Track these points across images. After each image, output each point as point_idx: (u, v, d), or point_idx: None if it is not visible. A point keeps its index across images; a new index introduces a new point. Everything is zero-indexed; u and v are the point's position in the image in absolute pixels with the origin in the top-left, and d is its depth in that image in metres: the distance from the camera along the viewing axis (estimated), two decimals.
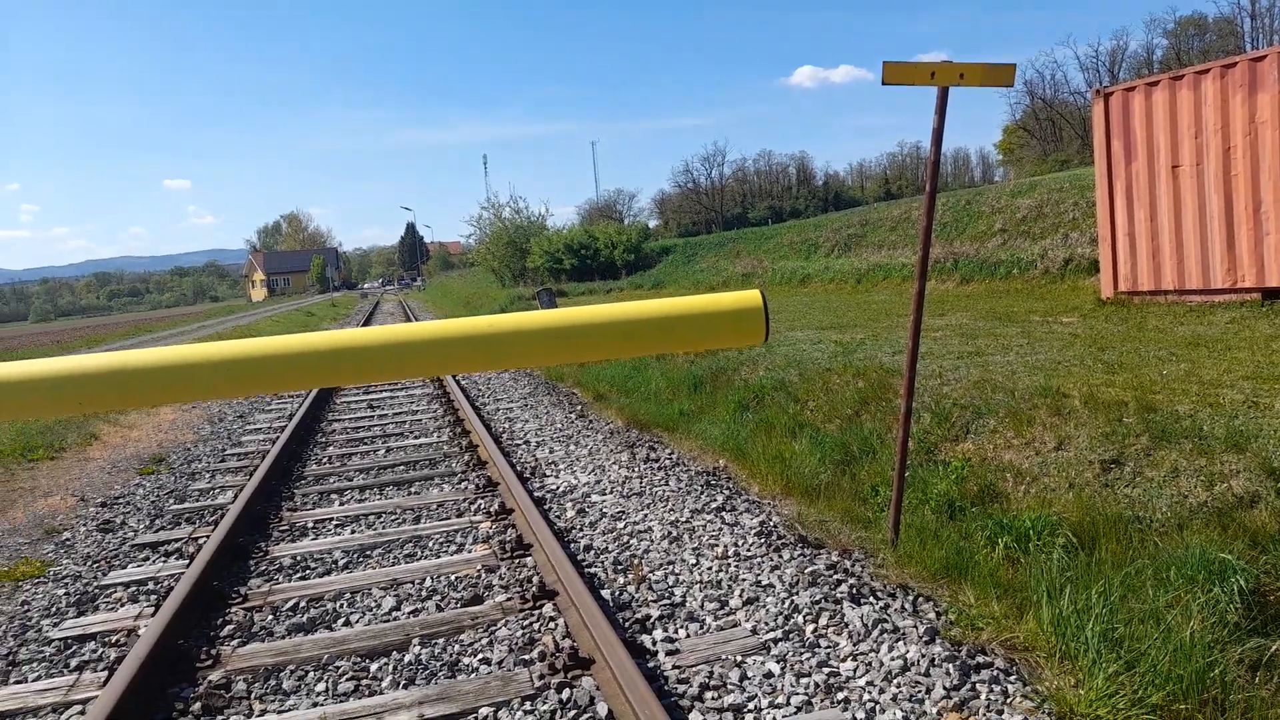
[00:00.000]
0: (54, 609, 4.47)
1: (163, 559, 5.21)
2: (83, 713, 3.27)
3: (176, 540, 5.54)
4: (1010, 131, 73.02)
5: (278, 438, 8.51)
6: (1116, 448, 5.06)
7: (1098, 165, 11.82)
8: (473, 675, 3.39)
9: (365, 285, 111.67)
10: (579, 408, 9.83)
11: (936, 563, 4.41)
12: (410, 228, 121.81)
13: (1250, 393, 5.43)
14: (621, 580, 4.26)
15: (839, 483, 6.02)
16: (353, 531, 5.46)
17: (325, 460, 7.67)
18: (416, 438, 8.45)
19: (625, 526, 5.12)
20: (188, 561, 4.99)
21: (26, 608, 4.52)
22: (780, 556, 4.42)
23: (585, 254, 37.80)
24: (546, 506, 5.67)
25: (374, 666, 3.53)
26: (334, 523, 5.68)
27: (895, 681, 3.10)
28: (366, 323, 30.69)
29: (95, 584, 4.81)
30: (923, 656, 3.25)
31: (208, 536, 5.34)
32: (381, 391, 12.04)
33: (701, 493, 5.78)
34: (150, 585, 4.73)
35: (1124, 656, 3.14)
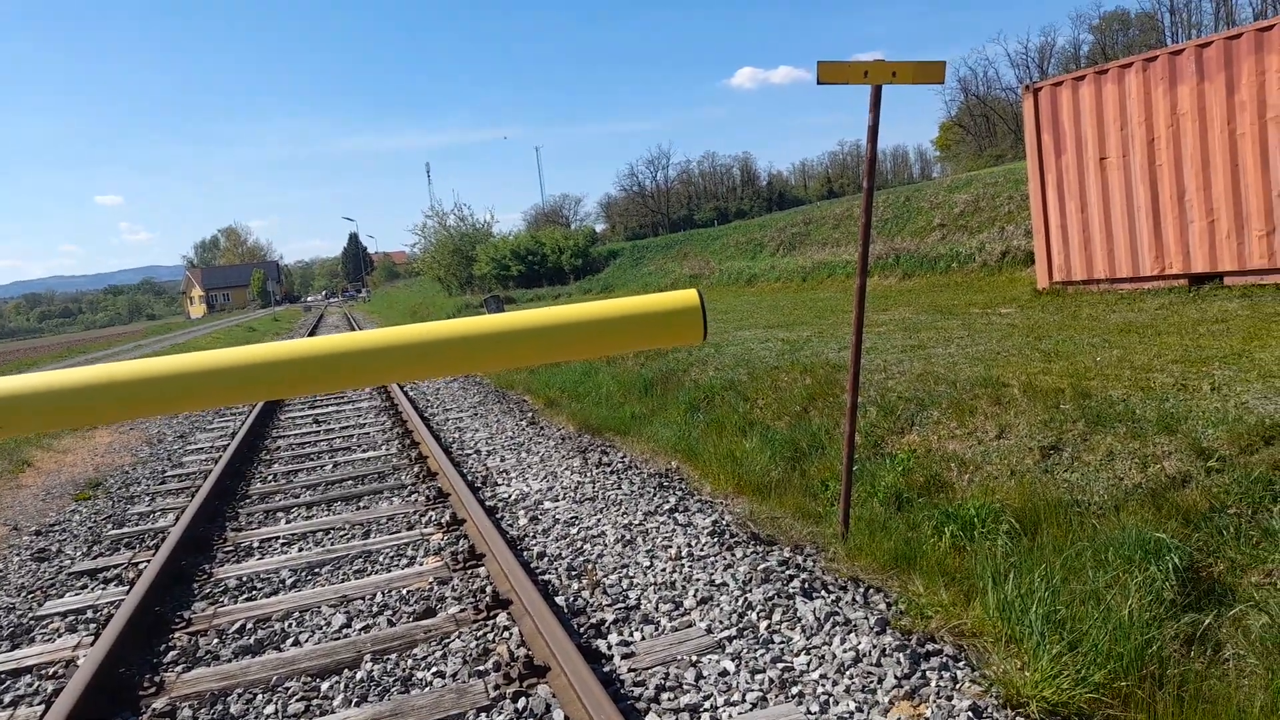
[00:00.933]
0: None
1: (101, 586, 5.05)
2: None
3: (116, 566, 5.38)
4: (946, 128, 74.67)
5: (220, 457, 8.31)
6: (1055, 434, 5.20)
7: (1029, 159, 12.14)
8: (426, 689, 3.35)
9: (308, 298, 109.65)
10: (530, 414, 9.78)
11: (886, 554, 4.49)
12: (353, 238, 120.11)
13: (1179, 376, 5.62)
14: (575, 586, 4.25)
15: (790, 479, 6.08)
16: (300, 550, 5.35)
17: (270, 478, 7.51)
18: (364, 451, 8.32)
19: (578, 532, 5.11)
20: (128, 588, 4.85)
21: None
22: (733, 555, 4.45)
23: (533, 260, 37.65)
24: (498, 515, 5.63)
25: (325, 686, 3.47)
26: (280, 541, 5.56)
27: (848, 673, 3.14)
28: (315, 329, 30.24)
29: (30, 615, 4.64)
30: (874, 647, 3.30)
31: (148, 561, 5.19)
32: (327, 406, 11.84)
33: (654, 495, 5.79)
34: (89, 614, 4.58)
35: (1066, 638, 3.22)
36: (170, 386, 1.91)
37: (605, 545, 4.80)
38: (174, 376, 2.01)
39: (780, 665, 3.23)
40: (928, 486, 5.39)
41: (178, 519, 6.12)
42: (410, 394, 11.99)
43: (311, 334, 32.12)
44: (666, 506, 5.44)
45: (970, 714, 2.83)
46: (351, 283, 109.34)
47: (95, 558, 5.66)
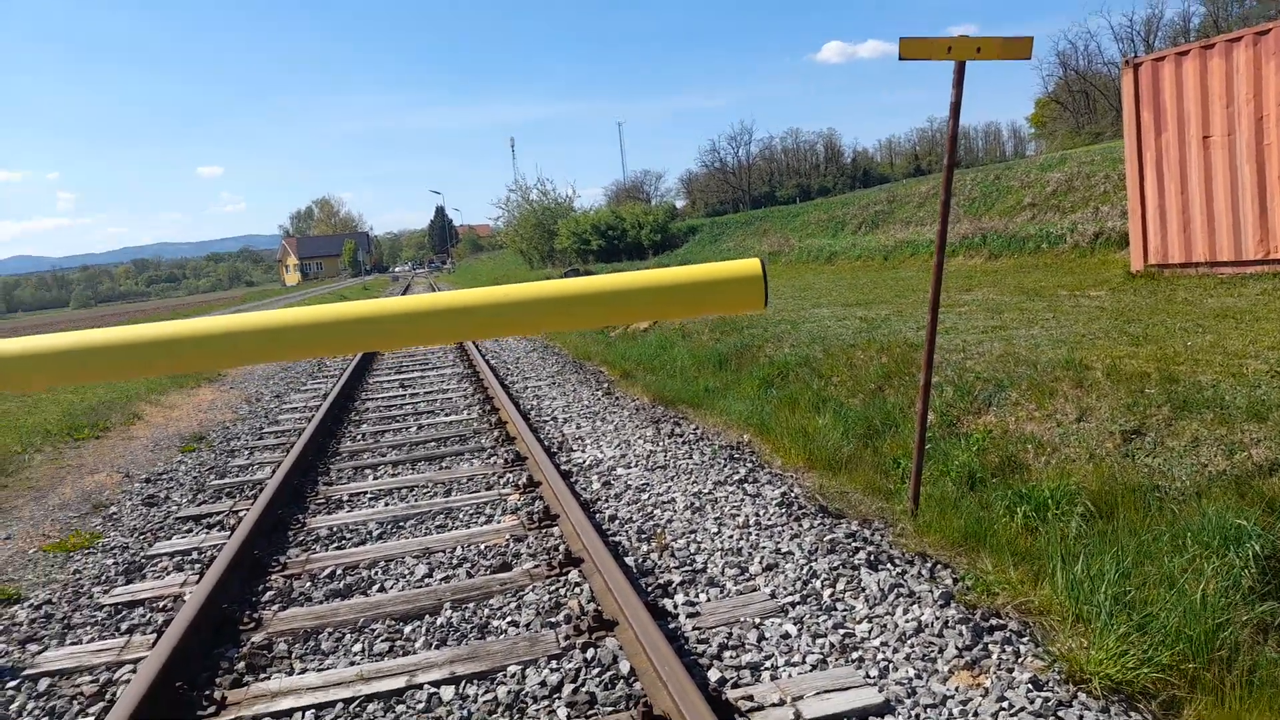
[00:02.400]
0: (104, 577, 4.69)
1: (205, 530, 5.43)
2: (134, 671, 3.46)
3: (218, 513, 5.76)
4: (1042, 104, 71.69)
5: (313, 416, 8.73)
6: (1138, 418, 5.08)
7: (1127, 137, 11.67)
8: (501, 636, 3.54)
9: (396, 268, 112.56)
10: (605, 385, 9.96)
11: (955, 531, 4.49)
12: (439, 211, 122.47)
13: (1275, 363, 5.41)
14: (645, 548, 4.39)
15: (861, 456, 6.09)
16: (386, 504, 5.63)
17: (359, 437, 7.87)
18: (447, 415, 8.62)
19: (649, 498, 5.24)
20: (229, 533, 5.19)
21: (78, 576, 4.74)
22: (800, 525, 4.52)
23: (612, 235, 37.86)
24: (573, 479, 5.81)
25: (407, 629, 3.69)
26: (368, 496, 5.86)
27: (909, 642, 3.20)
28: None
29: (142, 554, 5.03)
30: (937, 619, 3.34)
31: (248, 509, 5.54)
32: (412, 372, 12.25)
33: (725, 466, 5.88)
34: (194, 555, 4.94)
35: (1135, 618, 3.21)
36: (281, 335, 2.08)
37: (675, 511, 4.93)
38: (283, 328, 2.18)
39: (841, 631, 3.30)
40: (1002, 467, 5.34)
41: (274, 472, 6.49)
42: (491, 362, 12.31)
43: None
44: (736, 477, 5.53)
45: (1030, 686, 2.86)
46: (437, 254, 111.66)
47: (200, 505, 6.06)
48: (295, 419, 9.24)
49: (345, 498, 5.85)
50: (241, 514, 5.59)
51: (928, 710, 2.74)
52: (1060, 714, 2.72)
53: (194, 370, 2.56)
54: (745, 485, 5.35)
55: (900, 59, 4.31)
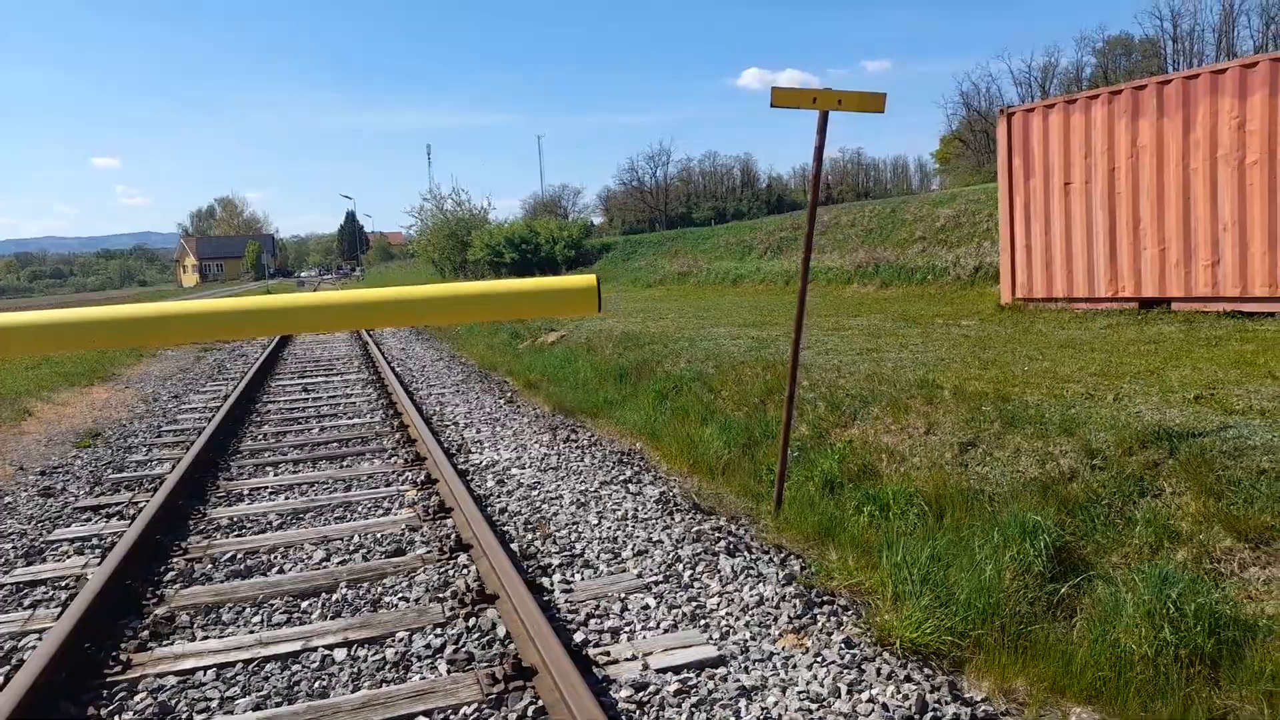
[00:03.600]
0: (2, 560, 4.82)
1: (105, 519, 5.58)
2: (40, 639, 3.68)
3: (118, 504, 5.90)
4: (947, 141, 75.36)
5: (213, 416, 8.82)
6: (973, 432, 5.77)
7: (1000, 180, 12.73)
8: (393, 610, 3.90)
9: (302, 274, 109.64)
10: (509, 394, 10.32)
11: (810, 527, 5.05)
12: (350, 216, 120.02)
13: (1091, 386, 6.20)
14: (530, 537, 4.80)
15: (740, 463, 6.63)
16: (286, 498, 5.89)
17: (261, 437, 8.03)
18: (350, 418, 8.85)
19: (539, 495, 5.66)
20: (129, 521, 5.37)
21: None
22: (672, 519, 5.01)
23: (526, 249, 38.10)
24: (469, 478, 6.18)
25: (305, 604, 4.01)
26: (269, 490, 6.09)
27: (750, 612, 3.71)
28: None
29: (41, 539, 5.17)
30: (777, 595, 3.86)
31: (148, 501, 5.71)
32: (317, 376, 12.34)
33: (613, 468, 6.34)
34: (95, 541, 5.11)
35: (940, 595, 3.79)
36: (151, 324, 2.37)
37: (561, 506, 5.36)
38: (180, 315, 2.50)
39: (694, 604, 3.79)
40: (859, 474, 5.95)
41: (174, 467, 6.64)
42: (397, 370, 12.50)
43: None
44: (622, 478, 5.99)
45: (843, 645, 3.40)
46: (347, 260, 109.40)
47: (98, 496, 6.18)
48: (195, 418, 9.29)
49: (246, 491, 6.08)
50: (141, 505, 5.75)
51: (755, 663, 3.24)
52: (863, 667, 3.26)
53: (127, 346, 2.85)
54: (629, 485, 5.82)
55: (772, 106, 4.88)
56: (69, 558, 4.83)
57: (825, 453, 6.31)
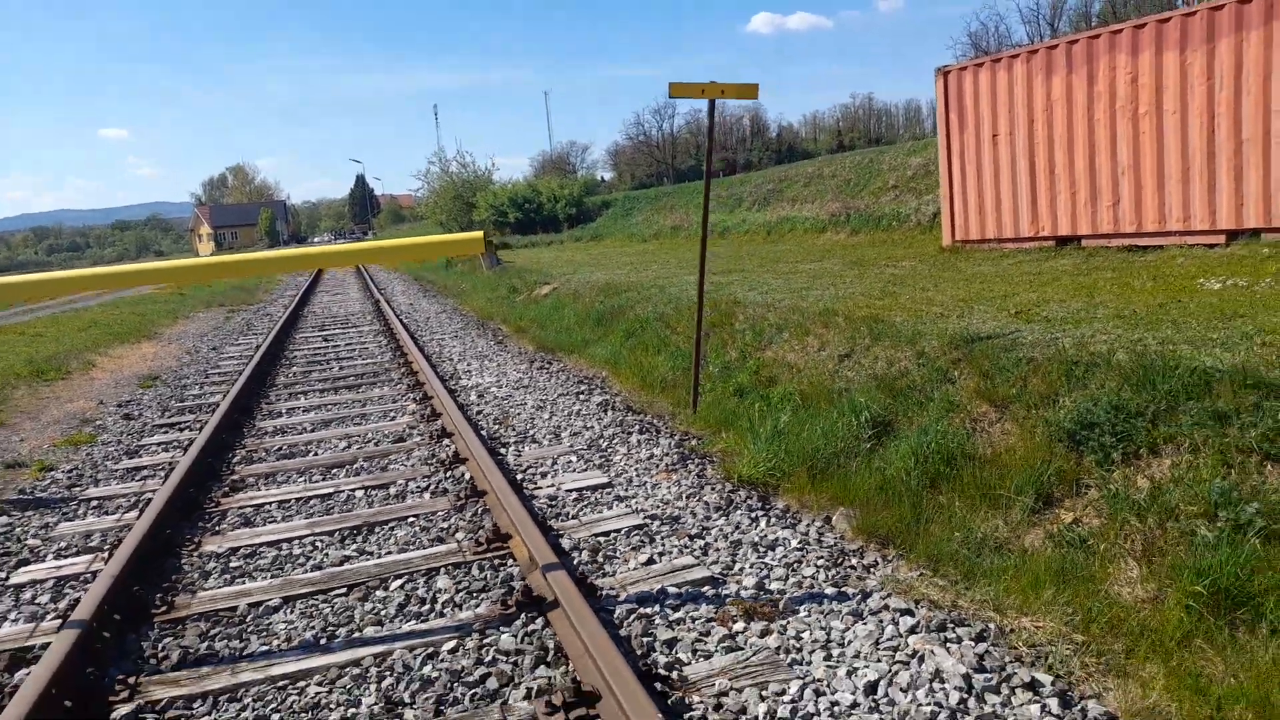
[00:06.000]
0: (110, 456, 6.53)
1: (178, 431, 7.28)
2: (153, 494, 5.36)
3: (186, 421, 7.60)
4: None
5: (249, 360, 10.51)
6: (850, 346, 7.34)
7: (940, 134, 14.10)
8: (395, 470, 5.56)
9: (315, 239, 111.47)
10: (500, 338, 11.95)
11: (715, 420, 6.66)
12: (360, 180, 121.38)
13: (950, 309, 7.74)
14: (497, 428, 6.46)
15: (680, 381, 8.23)
16: (316, 413, 7.56)
17: (290, 374, 9.72)
18: (364, 359, 10.51)
19: (509, 403, 7.31)
20: (198, 430, 7.06)
21: (90, 457, 6.57)
22: (606, 415, 6.65)
23: (529, 208, 39.52)
24: (457, 395, 7.83)
25: (335, 470, 5.68)
26: (302, 408, 7.78)
27: (640, 463, 5.34)
28: (317, 276, 32.26)
29: (136, 444, 6.87)
30: (665, 453, 5.50)
31: (209, 417, 7.40)
32: (334, 329, 14.01)
33: (572, 387, 7.97)
34: (175, 443, 6.81)
35: (776, 451, 5.40)
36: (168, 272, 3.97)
37: (525, 410, 7.01)
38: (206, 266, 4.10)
39: (602, 459, 5.43)
40: (765, 383, 7.54)
41: (224, 396, 8.32)
42: (404, 321, 14.15)
43: (316, 275, 34.20)
44: (576, 392, 7.63)
45: (698, 477, 5.03)
46: (358, 224, 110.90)
47: (169, 417, 7.89)
48: (234, 364, 10.99)
49: (284, 410, 7.76)
50: (205, 420, 7.44)
51: (631, 486, 4.89)
52: (704, 488, 4.89)
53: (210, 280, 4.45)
54: (580, 396, 7.46)
55: (670, 97, 6.39)
56: (161, 452, 6.54)
57: (743, 369, 7.90)
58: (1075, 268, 10.04)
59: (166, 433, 7.25)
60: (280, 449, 6.35)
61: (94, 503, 5.39)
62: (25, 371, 10.59)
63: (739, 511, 4.54)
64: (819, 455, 5.36)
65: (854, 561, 3.91)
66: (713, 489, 4.88)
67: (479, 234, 3.56)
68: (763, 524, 4.37)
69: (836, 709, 2.60)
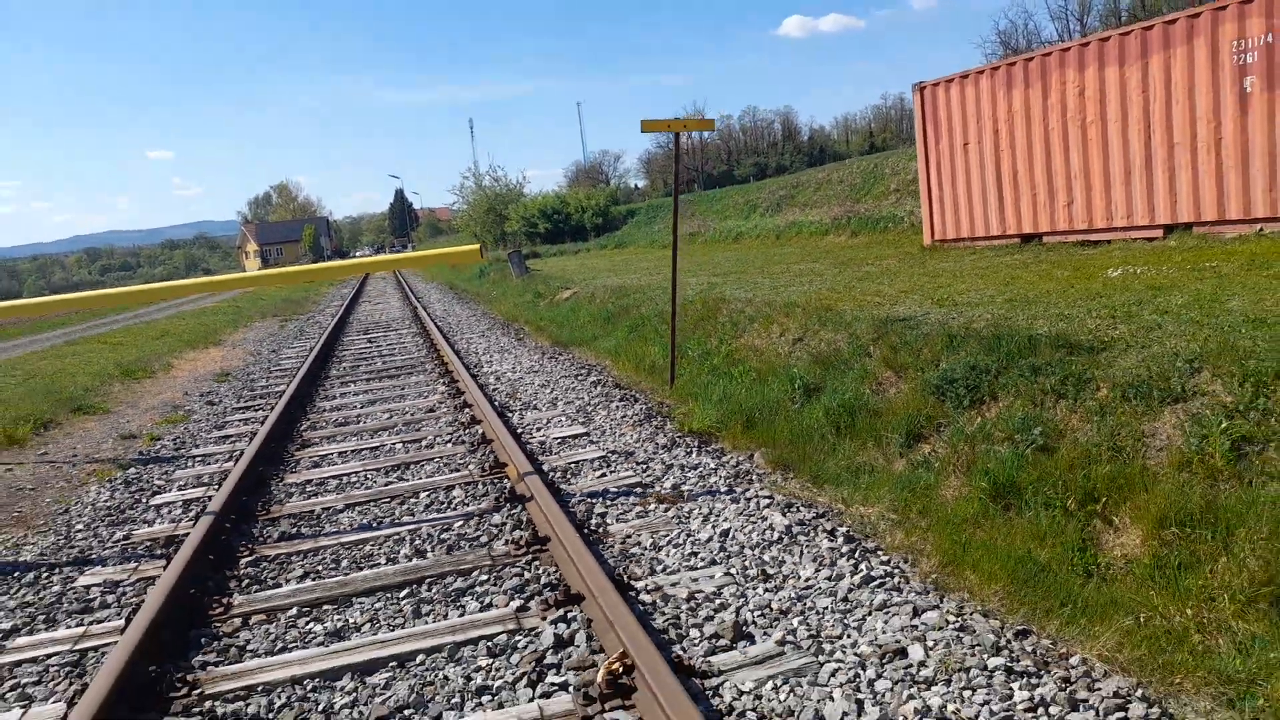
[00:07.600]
0: (202, 428, 8.21)
1: (253, 411, 8.96)
2: (243, 451, 6.99)
3: (259, 404, 9.29)
4: None
5: (305, 359, 12.22)
6: (803, 331, 8.79)
7: (919, 143, 15.46)
8: (425, 429, 7.14)
9: (357, 253, 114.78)
10: (520, 336, 13.55)
11: (688, 393, 8.16)
12: (399, 194, 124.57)
13: (891, 297, 9.16)
14: (507, 400, 8.03)
15: (666, 365, 9.73)
16: (363, 396, 9.20)
17: (341, 369, 11.40)
18: (402, 355, 12.18)
19: (520, 383, 8.88)
20: (270, 410, 8.72)
21: (188, 429, 8.26)
22: (595, 390, 8.19)
23: (558, 218, 41.31)
24: (479, 379, 9.42)
25: (379, 433, 7.28)
26: (352, 392, 9.43)
27: (614, 420, 6.86)
28: (360, 288, 34.32)
29: (221, 420, 8.56)
30: (635, 415, 7.03)
31: (279, 400, 9.06)
32: (376, 332, 15.73)
33: (573, 371, 9.52)
34: (253, 418, 8.48)
35: (722, 409, 6.88)
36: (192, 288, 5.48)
37: (532, 388, 8.58)
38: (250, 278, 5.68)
39: (584, 417, 6.96)
40: (736, 363, 9.02)
41: (288, 386, 10.00)
42: (438, 324, 15.83)
43: (360, 288, 36.23)
44: (575, 375, 9.18)
45: (655, 429, 6.54)
46: (397, 238, 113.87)
47: (244, 401, 9.58)
48: (292, 362, 12.73)
49: (337, 394, 9.42)
50: (274, 403, 9.11)
51: (604, 436, 6.41)
52: (658, 435, 6.40)
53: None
54: (578, 378, 9.01)
55: (642, 132, 7.92)
56: (243, 425, 8.21)
57: (718, 354, 9.39)
58: (1022, 262, 11.36)
59: (245, 412, 8.94)
60: (336, 420, 7.98)
61: (199, 458, 7.06)
62: (117, 372, 12.41)
63: (679, 449, 6.04)
64: (756, 412, 6.83)
65: (753, 478, 5.39)
66: (665, 435, 6.39)
67: (475, 246, 5.10)
68: (695, 456, 5.87)
69: (697, 541, 4.09)
